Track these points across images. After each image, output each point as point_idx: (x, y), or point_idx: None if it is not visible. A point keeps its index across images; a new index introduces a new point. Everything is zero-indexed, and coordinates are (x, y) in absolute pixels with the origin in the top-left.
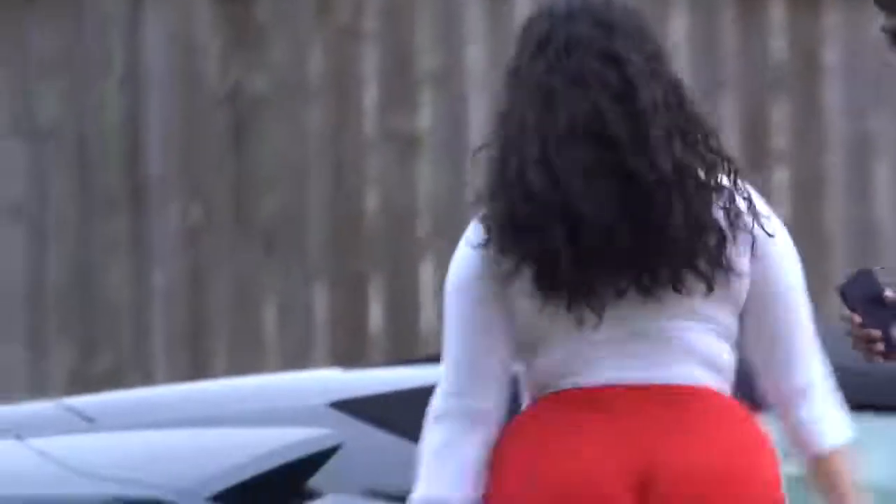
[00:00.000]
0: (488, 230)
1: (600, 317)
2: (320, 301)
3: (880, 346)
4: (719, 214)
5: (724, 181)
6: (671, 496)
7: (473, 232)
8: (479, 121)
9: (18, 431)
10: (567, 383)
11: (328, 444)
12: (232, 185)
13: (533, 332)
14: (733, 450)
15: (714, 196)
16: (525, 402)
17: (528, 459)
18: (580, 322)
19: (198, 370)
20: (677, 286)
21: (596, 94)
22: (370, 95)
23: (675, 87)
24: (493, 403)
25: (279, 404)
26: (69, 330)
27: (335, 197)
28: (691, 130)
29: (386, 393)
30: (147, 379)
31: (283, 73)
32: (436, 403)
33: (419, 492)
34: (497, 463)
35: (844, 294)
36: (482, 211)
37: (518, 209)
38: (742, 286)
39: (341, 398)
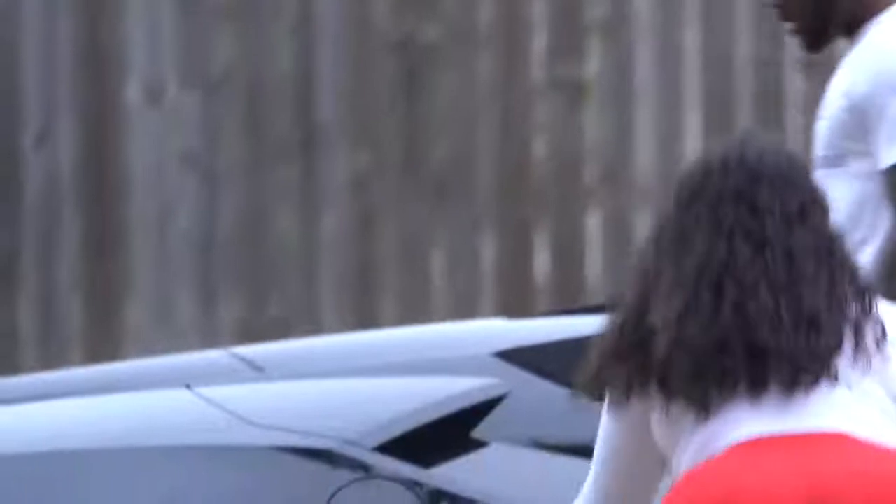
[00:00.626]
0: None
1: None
2: (487, 249)
3: None
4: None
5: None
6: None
7: None
8: (646, 68)
9: (188, 381)
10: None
11: (493, 393)
12: (401, 133)
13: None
14: None
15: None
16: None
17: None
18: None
19: (365, 318)
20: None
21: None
22: (538, 43)
23: (820, 235)
24: None
25: (445, 354)
26: (238, 279)
27: (503, 145)
28: (837, 277)
29: (551, 342)
30: (315, 327)
31: (454, 21)
32: None
33: None
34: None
35: None
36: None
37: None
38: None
39: (507, 348)
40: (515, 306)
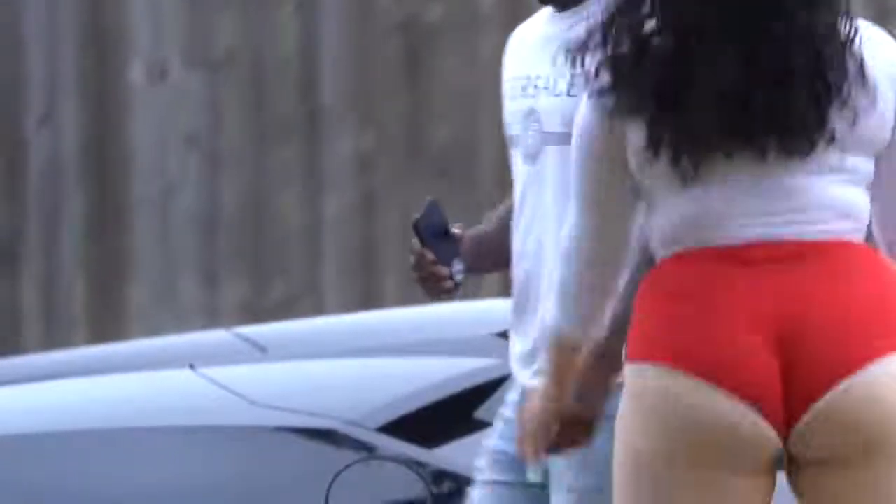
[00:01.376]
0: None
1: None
2: None
3: (449, 284)
4: (842, 60)
5: (846, 28)
6: (816, 343)
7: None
8: None
9: (192, 361)
10: (703, 239)
11: (496, 374)
12: (405, 114)
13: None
14: (877, 296)
15: (838, 43)
16: (657, 257)
17: (670, 309)
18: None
19: (368, 299)
20: (807, 137)
21: None
22: None
23: None
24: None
25: (448, 334)
26: (242, 259)
27: None
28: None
29: None
30: (318, 307)
31: (457, 2)
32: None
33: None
34: (638, 310)
35: (419, 228)
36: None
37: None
38: (876, 128)
39: (509, 329)
40: None
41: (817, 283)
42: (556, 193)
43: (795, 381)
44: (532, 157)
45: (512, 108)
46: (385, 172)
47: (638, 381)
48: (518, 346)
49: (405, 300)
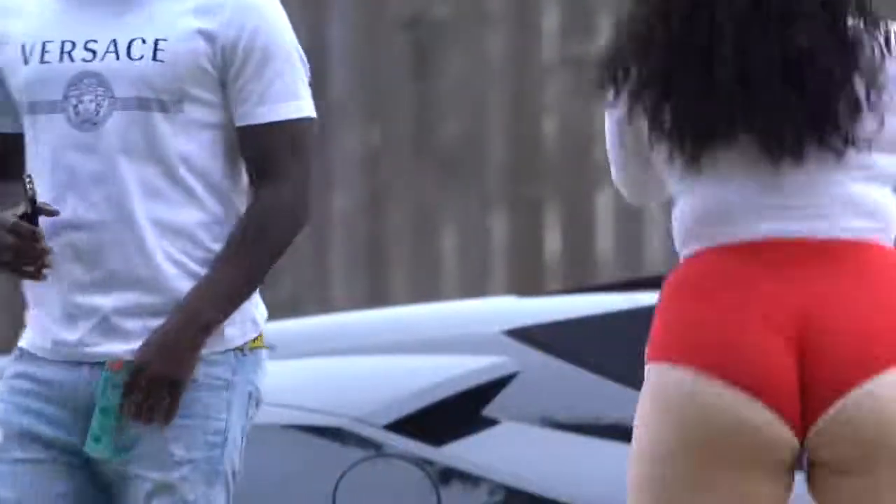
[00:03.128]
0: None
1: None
2: (498, 227)
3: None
4: (864, 59)
5: (871, 23)
6: (837, 344)
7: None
8: None
9: None
10: (719, 236)
11: (504, 372)
12: (412, 111)
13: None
14: None
15: (862, 36)
16: (679, 246)
17: (690, 309)
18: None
19: (376, 296)
20: (826, 137)
21: None
22: (550, 22)
23: None
24: None
25: (455, 332)
26: None
27: (514, 123)
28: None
29: (562, 321)
30: (325, 304)
31: (464, 0)
32: None
33: None
34: (659, 310)
35: (37, 212)
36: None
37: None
38: None
39: (517, 326)
40: (526, 284)
41: (839, 283)
42: (131, 158)
43: (816, 382)
44: (90, 122)
45: (42, 71)
46: (392, 169)
47: (658, 381)
48: (87, 317)
49: (413, 298)
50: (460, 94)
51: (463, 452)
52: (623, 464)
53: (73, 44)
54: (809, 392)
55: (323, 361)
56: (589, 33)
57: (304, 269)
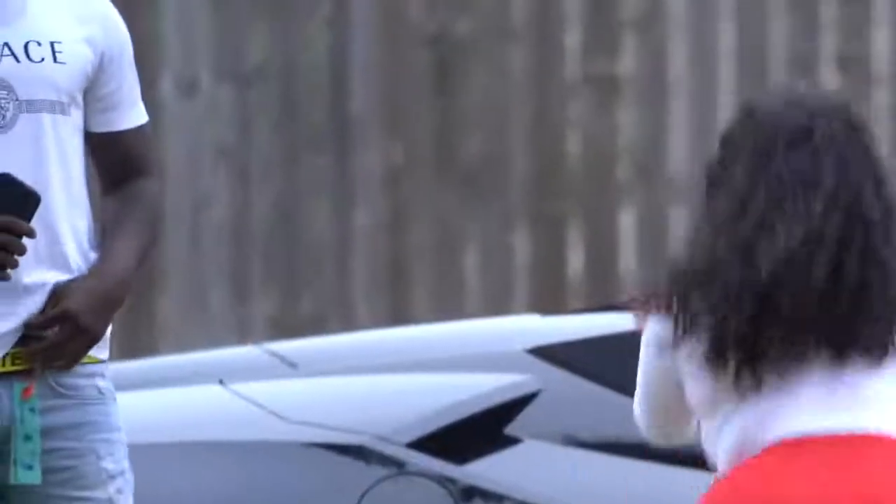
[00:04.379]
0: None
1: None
2: (520, 245)
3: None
4: None
5: None
6: None
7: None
8: (680, 64)
9: (222, 376)
10: (769, 439)
11: (526, 390)
12: (434, 127)
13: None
14: None
15: None
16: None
17: None
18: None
19: (398, 314)
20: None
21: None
22: (573, 39)
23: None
24: None
25: (477, 350)
26: (272, 273)
27: (537, 140)
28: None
29: (584, 339)
30: (348, 322)
31: (488, 16)
32: None
33: None
34: None
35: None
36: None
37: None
38: None
39: (540, 344)
40: (548, 302)
41: (888, 480)
42: (42, 161)
43: None
44: None
45: None
46: (415, 185)
47: None
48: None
49: (435, 315)
50: (482, 110)
51: (485, 471)
52: (645, 482)
53: None
54: None
55: (345, 379)
56: (612, 50)
57: (326, 287)
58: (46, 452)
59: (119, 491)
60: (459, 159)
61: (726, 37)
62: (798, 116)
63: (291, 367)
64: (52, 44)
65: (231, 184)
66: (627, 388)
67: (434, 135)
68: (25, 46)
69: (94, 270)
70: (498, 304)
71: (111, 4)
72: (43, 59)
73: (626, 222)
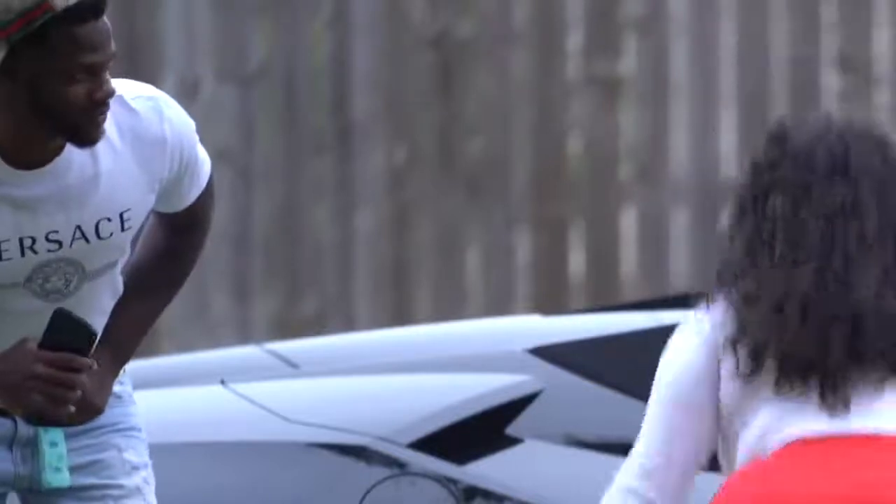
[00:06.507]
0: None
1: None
2: (522, 246)
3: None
4: None
5: None
6: None
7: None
8: (682, 65)
9: (223, 377)
10: (778, 443)
11: (528, 390)
12: (437, 129)
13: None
14: None
15: None
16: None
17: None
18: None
19: (400, 314)
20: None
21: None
22: (574, 40)
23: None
24: None
25: (479, 350)
26: (273, 274)
27: (538, 141)
28: None
29: (586, 339)
30: (349, 323)
31: (490, 17)
32: None
33: None
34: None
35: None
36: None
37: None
38: None
39: (541, 344)
40: (550, 303)
41: (888, 480)
42: (100, 308)
43: None
44: (59, 293)
45: (3, 267)
46: (417, 187)
47: None
48: None
49: (437, 316)
50: (484, 112)
51: (486, 471)
52: None
53: (33, 239)
54: None
55: (346, 380)
56: (613, 52)
57: (328, 288)
58: (69, 451)
59: (146, 482)
60: (461, 160)
61: (727, 37)
62: (834, 145)
63: (293, 367)
64: (121, 215)
65: (233, 185)
66: (629, 389)
67: (436, 136)
68: (96, 226)
69: (111, 351)
70: (499, 305)
71: (170, 117)
72: (112, 234)
73: (628, 223)
